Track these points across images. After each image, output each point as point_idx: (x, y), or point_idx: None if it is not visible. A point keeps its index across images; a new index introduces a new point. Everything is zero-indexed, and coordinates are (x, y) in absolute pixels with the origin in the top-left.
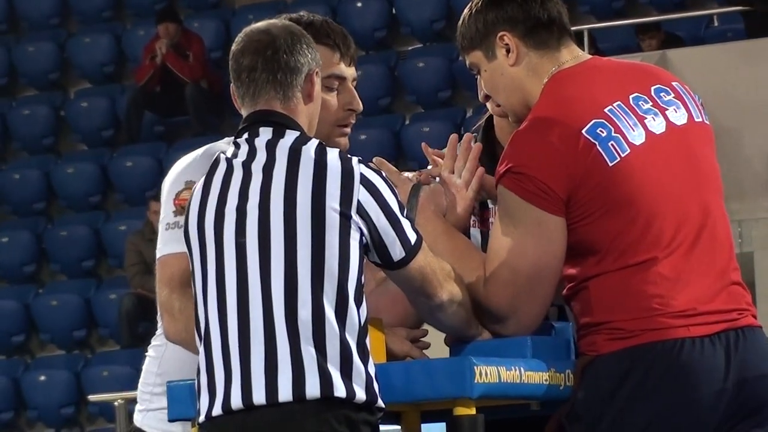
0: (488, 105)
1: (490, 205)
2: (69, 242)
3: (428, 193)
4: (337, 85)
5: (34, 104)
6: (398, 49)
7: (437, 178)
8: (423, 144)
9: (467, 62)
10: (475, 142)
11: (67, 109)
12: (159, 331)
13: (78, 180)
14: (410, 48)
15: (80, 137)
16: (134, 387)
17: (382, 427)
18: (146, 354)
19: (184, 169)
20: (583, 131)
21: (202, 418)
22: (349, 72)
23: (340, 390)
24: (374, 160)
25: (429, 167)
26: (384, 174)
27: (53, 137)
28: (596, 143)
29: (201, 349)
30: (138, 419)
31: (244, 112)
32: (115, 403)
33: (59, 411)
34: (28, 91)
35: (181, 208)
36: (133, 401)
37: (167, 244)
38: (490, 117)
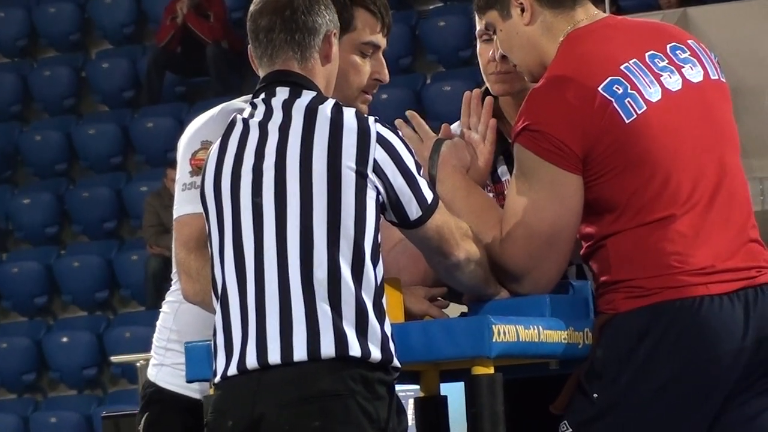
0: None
1: (503, 178)
2: (91, 203)
3: (450, 147)
4: (371, 53)
5: (55, 65)
6: (419, 9)
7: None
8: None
9: (483, 22)
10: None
11: (88, 70)
12: (174, 287)
13: (99, 141)
14: (431, 7)
15: (101, 98)
16: None
17: (402, 387)
18: (161, 310)
19: (199, 128)
20: (600, 88)
21: (217, 378)
22: (383, 42)
23: (355, 349)
24: (407, 113)
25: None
26: (401, 133)
27: (74, 98)
28: (612, 100)
29: (218, 309)
30: (152, 374)
31: (261, 73)
32: (137, 364)
33: (81, 372)
34: (49, 52)
35: (198, 168)
36: None
37: (184, 204)
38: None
